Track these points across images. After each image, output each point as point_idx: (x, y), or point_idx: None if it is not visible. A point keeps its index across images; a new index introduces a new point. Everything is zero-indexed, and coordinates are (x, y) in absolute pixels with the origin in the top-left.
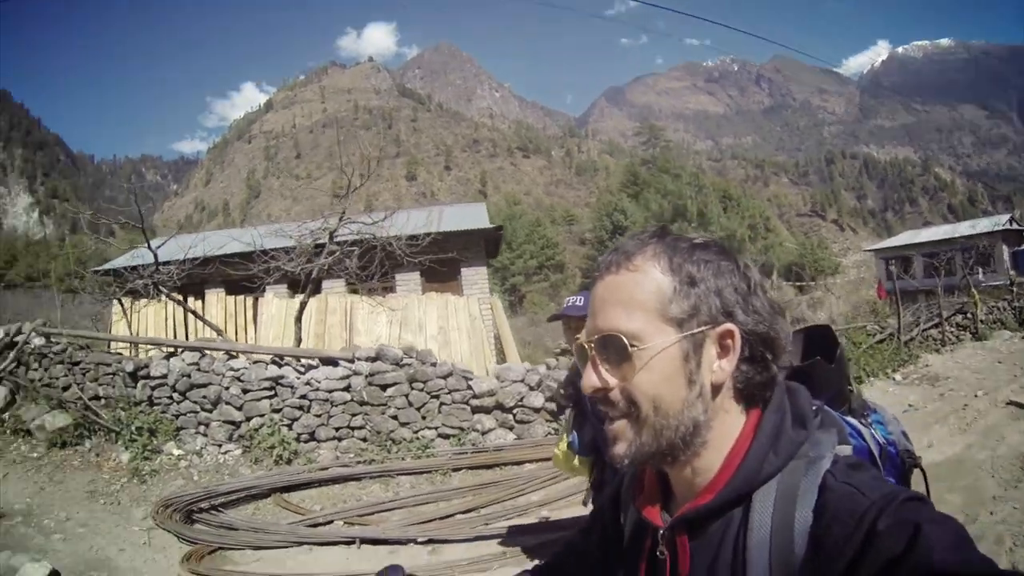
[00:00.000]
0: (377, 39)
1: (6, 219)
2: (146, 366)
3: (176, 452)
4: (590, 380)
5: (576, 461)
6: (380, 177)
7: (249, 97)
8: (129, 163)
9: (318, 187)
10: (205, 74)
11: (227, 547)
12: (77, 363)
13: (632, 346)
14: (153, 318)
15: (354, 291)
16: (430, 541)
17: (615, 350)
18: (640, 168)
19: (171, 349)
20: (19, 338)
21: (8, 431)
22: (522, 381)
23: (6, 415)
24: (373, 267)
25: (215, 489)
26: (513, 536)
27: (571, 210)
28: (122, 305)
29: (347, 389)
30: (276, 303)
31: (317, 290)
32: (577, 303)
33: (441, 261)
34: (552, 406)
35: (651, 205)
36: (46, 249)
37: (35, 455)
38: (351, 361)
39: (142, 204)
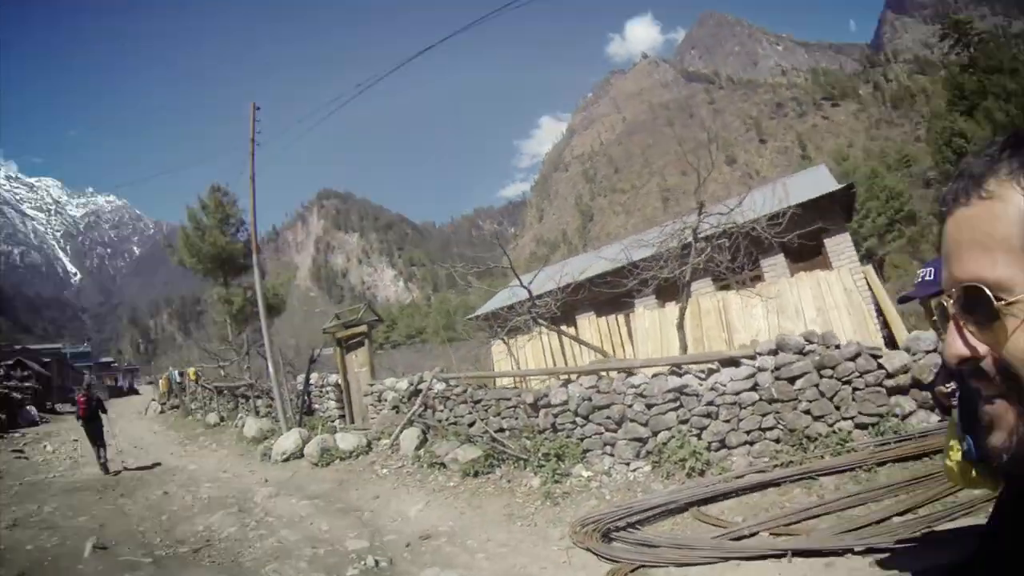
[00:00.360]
0: (641, 34)
1: (379, 292)
2: (545, 395)
3: (585, 474)
4: (954, 347)
5: (974, 473)
6: (700, 167)
7: (550, 129)
8: (465, 220)
9: (646, 193)
10: (506, 121)
11: (649, 564)
12: (478, 401)
13: (999, 299)
14: (531, 351)
15: (724, 287)
16: (869, 550)
17: (979, 306)
18: (962, 77)
19: (565, 377)
20: (422, 386)
21: (424, 465)
22: (935, 350)
23: (421, 451)
24: (741, 256)
25: (631, 507)
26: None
27: (902, 150)
28: (506, 343)
29: (754, 388)
30: (649, 316)
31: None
32: (927, 277)
33: (804, 236)
34: None
35: (994, 115)
36: (417, 310)
37: (451, 484)
38: (752, 358)
39: (497, 249)
